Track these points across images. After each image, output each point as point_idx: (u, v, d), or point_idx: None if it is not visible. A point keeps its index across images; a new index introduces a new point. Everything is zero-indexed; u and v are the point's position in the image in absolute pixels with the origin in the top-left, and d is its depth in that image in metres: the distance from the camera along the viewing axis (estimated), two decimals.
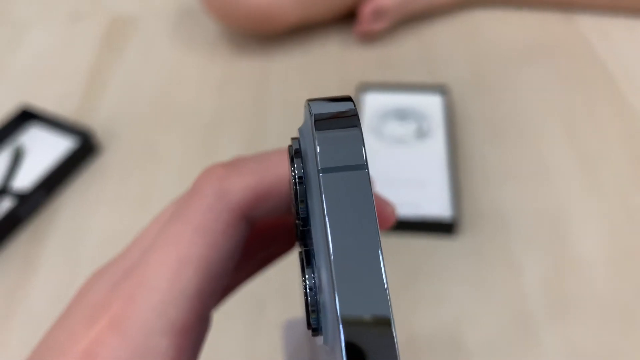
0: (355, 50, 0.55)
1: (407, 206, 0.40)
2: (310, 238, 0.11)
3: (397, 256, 0.38)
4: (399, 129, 0.45)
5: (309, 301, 0.11)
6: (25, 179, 0.43)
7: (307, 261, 0.11)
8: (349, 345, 0.08)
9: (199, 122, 0.49)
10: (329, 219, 0.09)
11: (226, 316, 0.36)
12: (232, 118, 0.49)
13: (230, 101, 0.51)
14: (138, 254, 0.15)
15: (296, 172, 0.11)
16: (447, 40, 0.56)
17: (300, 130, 0.12)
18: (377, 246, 0.09)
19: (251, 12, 0.51)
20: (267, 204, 0.14)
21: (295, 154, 0.11)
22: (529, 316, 0.35)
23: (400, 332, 0.35)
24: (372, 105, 0.47)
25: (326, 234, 0.09)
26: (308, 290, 0.11)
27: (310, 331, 0.11)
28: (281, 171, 0.14)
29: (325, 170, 0.09)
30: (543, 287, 0.36)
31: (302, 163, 0.11)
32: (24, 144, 0.46)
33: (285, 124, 0.48)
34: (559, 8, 0.58)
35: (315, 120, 0.09)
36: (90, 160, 0.46)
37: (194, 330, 0.14)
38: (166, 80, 0.53)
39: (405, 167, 0.42)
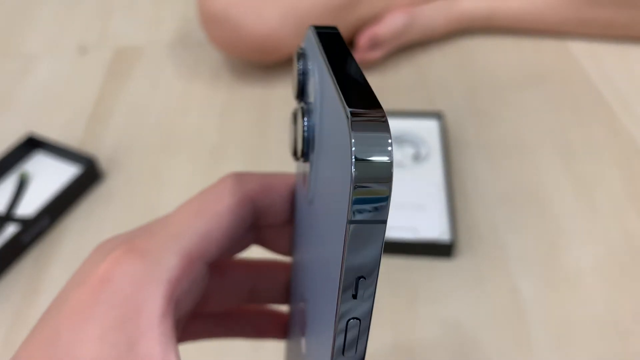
0: None
1: (406, 229, 0.40)
2: (307, 100, 0.16)
3: (396, 278, 0.39)
4: (396, 154, 0.46)
5: (306, 136, 0.15)
6: (30, 205, 0.44)
7: (307, 112, 0.16)
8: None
9: (202, 148, 0.50)
10: (322, 47, 0.15)
11: (223, 353, 0.36)
12: (235, 143, 0.50)
13: (232, 127, 0.52)
14: (162, 221, 0.17)
15: (301, 67, 0.16)
16: (442, 67, 0.57)
17: (304, 42, 0.17)
18: (350, 55, 0.15)
19: (253, 42, 0.53)
20: (269, 197, 0.19)
21: (302, 54, 0.17)
22: (527, 334, 0.35)
23: (401, 350, 0.35)
24: None
25: (323, 55, 0.15)
26: (306, 129, 0.15)
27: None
28: (281, 179, 0.19)
29: (317, 31, 0.16)
30: (540, 306, 0.36)
31: (304, 61, 0.16)
32: (29, 171, 0.47)
33: (286, 149, 0.49)
34: (552, 34, 0.60)
35: (317, 32, 0.16)
36: (94, 187, 0.46)
37: (197, 264, 0.16)
38: (170, 108, 0.55)
39: (403, 191, 0.43)
